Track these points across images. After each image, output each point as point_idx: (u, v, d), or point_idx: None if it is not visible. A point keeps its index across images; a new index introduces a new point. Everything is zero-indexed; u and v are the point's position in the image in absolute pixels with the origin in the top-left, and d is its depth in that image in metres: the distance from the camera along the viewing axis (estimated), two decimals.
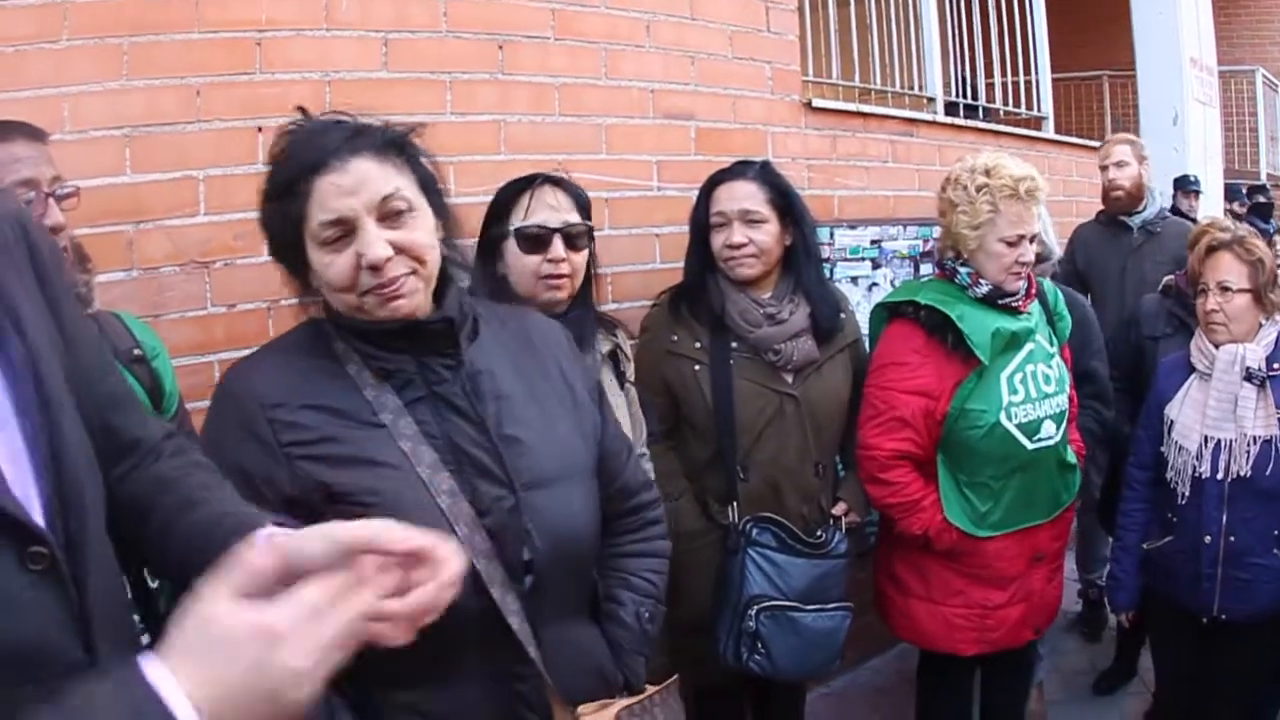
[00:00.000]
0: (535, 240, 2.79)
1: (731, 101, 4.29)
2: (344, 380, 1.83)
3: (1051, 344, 3.57)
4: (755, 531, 3.32)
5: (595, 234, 3.03)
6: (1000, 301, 3.40)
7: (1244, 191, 9.96)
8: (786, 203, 3.37)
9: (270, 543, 1.27)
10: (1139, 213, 5.30)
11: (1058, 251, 4.56)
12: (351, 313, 1.83)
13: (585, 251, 2.90)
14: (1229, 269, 3.50)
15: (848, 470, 3.67)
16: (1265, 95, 13.10)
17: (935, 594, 3.55)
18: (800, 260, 3.42)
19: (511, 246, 2.83)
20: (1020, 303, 3.44)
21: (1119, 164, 5.42)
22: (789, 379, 3.36)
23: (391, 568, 1.19)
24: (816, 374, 3.40)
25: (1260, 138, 13.00)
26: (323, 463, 1.77)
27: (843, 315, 3.52)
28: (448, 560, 1.22)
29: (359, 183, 1.77)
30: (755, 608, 3.26)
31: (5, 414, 1.27)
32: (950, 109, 6.07)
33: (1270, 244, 4.87)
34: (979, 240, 3.35)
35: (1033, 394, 3.39)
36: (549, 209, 2.84)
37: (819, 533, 3.45)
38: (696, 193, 3.50)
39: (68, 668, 1.16)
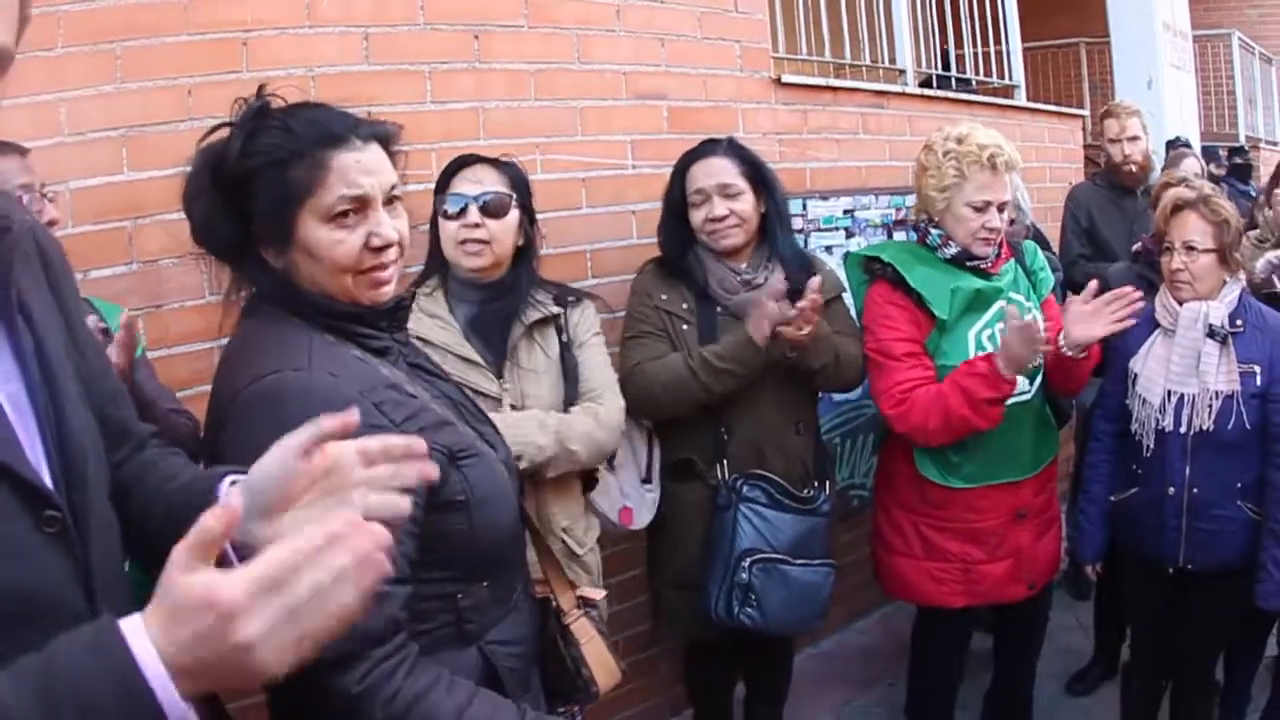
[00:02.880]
0: (451, 210, 3.05)
1: (702, 80, 4.44)
2: (364, 361, 1.89)
3: (1030, 300, 3.72)
4: (746, 488, 3.47)
5: (574, 212, 3.26)
6: (969, 263, 3.59)
7: (1221, 154, 10.12)
8: (758, 173, 3.56)
9: (235, 489, 1.45)
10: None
11: (1030, 217, 4.73)
12: (341, 295, 1.90)
13: (508, 221, 3.08)
14: (1194, 228, 3.57)
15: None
16: (1242, 58, 13.22)
17: (917, 550, 3.75)
18: (774, 227, 3.61)
19: (441, 218, 3.10)
20: (990, 265, 3.63)
21: (1133, 138, 5.61)
22: None
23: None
24: None
25: (1238, 100, 13.12)
26: (430, 430, 1.83)
27: (818, 272, 3.57)
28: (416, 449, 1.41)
29: (377, 165, 1.88)
30: (748, 559, 3.40)
31: (20, 398, 1.38)
32: (923, 81, 6.24)
33: (1256, 205, 5.05)
34: (946, 202, 3.56)
35: None
36: (472, 183, 3.08)
37: (805, 490, 3.59)
38: (670, 170, 3.65)
39: (74, 619, 1.19)
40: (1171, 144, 7.06)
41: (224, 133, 1.85)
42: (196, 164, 1.84)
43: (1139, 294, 3.37)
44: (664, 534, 3.66)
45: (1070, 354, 3.44)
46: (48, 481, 1.36)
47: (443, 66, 3.65)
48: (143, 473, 1.68)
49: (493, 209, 3.04)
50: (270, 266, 1.89)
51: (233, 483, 1.52)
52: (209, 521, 1.12)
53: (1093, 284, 3.45)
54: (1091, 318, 3.38)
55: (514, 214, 3.10)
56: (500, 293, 3.12)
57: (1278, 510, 3.49)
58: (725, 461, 3.52)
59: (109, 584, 1.42)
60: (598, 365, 3.28)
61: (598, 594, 2.67)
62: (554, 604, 2.48)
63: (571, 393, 3.18)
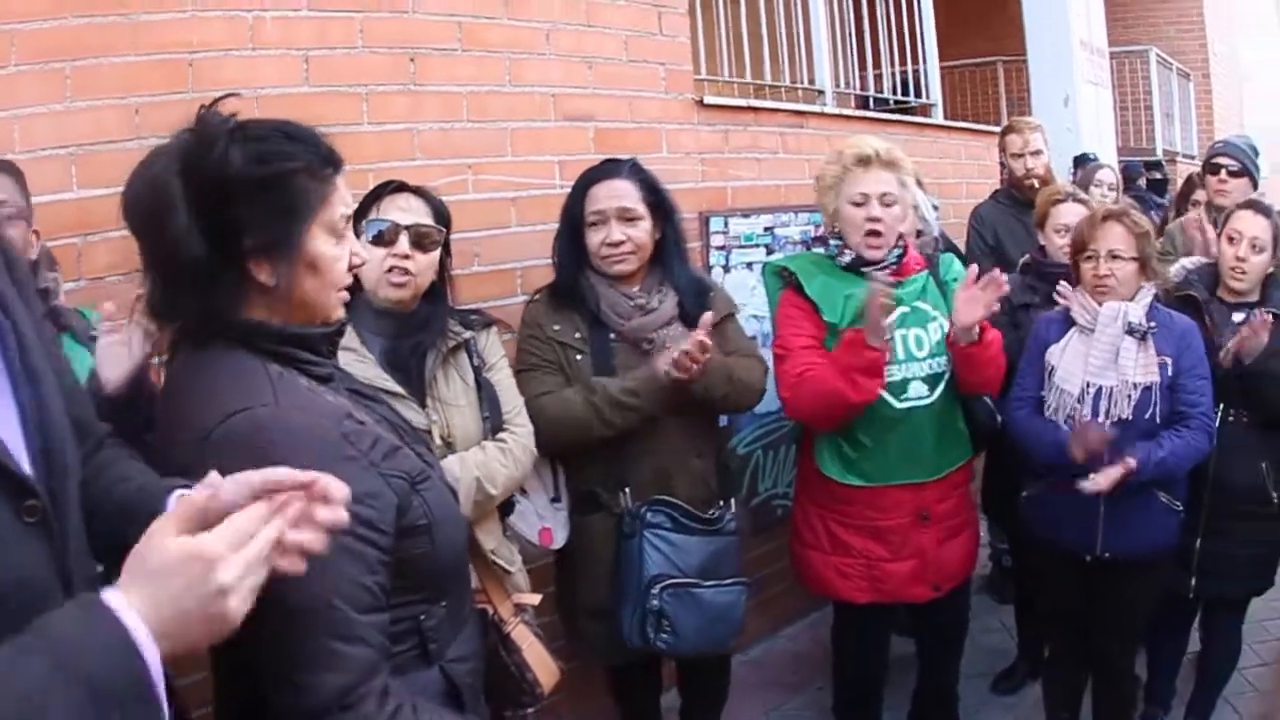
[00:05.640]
0: (382, 235, 2.99)
1: (628, 102, 4.68)
2: (314, 392, 1.87)
3: (937, 309, 3.92)
4: (650, 514, 3.51)
5: (504, 230, 3.40)
6: (863, 270, 3.83)
7: (1142, 168, 10.52)
8: (658, 199, 3.63)
9: (184, 499, 1.47)
10: None
11: (936, 229, 4.91)
12: (320, 314, 1.93)
13: (433, 255, 3.09)
14: (1120, 238, 3.85)
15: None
16: (1160, 74, 13.76)
17: (825, 545, 3.96)
18: (669, 253, 3.68)
19: (363, 243, 2.92)
20: (890, 271, 3.85)
21: (1035, 153, 5.86)
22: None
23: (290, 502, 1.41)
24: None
25: (1155, 115, 13.64)
26: (390, 458, 1.87)
27: (712, 294, 3.75)
28: (333, 490, 1.45)
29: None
30: (658, 586, 3.44)
31: (1, 383, 1.46)
32: (842, 100, 6.52)
33: (1166, 217, 5.36)
34: (835, 205, 3.87)
35: (900, 356, 3.77)
36: (400, 210, 3.06)
37: (710, 511, 3.66)
38: None
39: (53, 608, 1.30)
40: (1079, 160, 7.32)
41: (179, 144, 1.78)
42: (160, 174, 1.73)
43: (1004, 276, 3.66)
44: (574, 564, 3.71)
45: (961, 341, 3.70)
46: (28, 470, 1.43)
47: (379, 88, 3.80)
48: (99, 471, 1.73)
49: (423, 241, 3.05)
50: (239, 286, 1.81)
51: (180, 495, 1.61)
52: (196, 497, 1.35)
53: (973, 268, 3.72)
54: (972, 302, 3.64)
55: (438, 250, 3.13)
56: (416, 325, 3.11)
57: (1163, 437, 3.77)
58: (628, 490, 3.56)
59: (83, 573, 1.52)
60: (509, 389, 3.34)
61: (533, 598, 2.85)
62: (493, 614, 2.60)
63: (495, 418, 3.24)
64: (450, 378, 3.17)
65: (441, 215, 3.17)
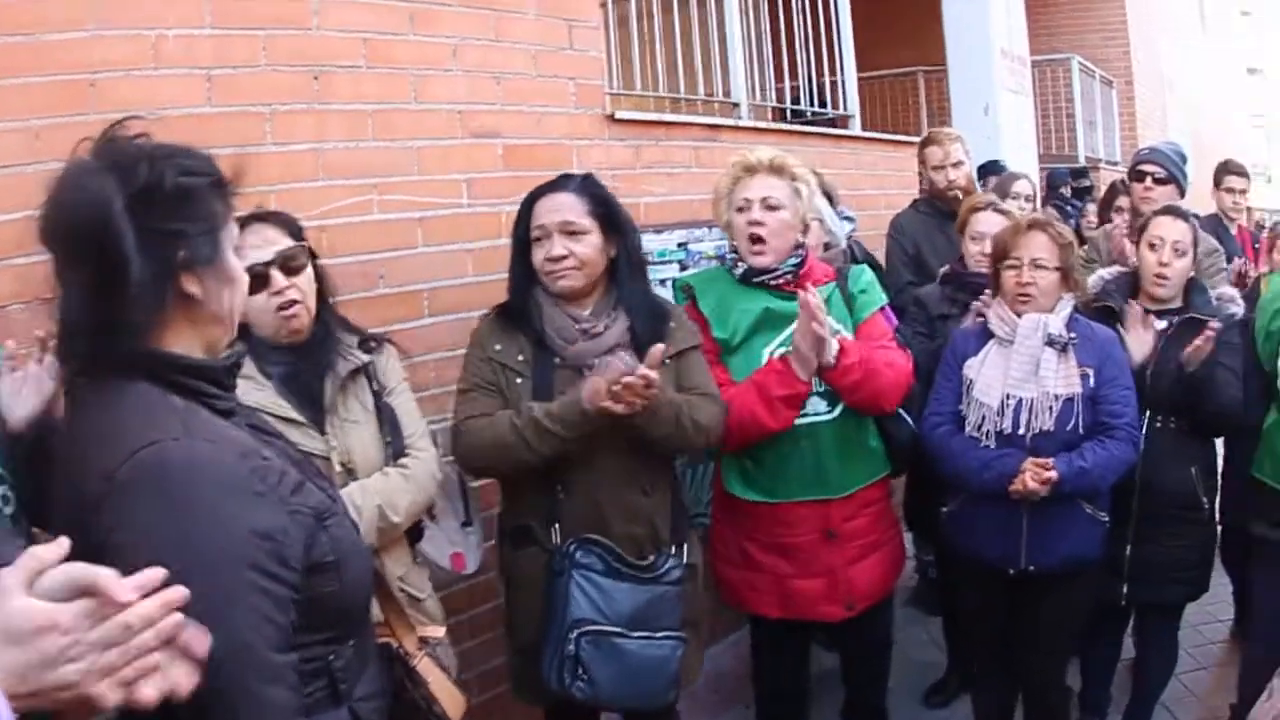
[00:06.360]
0: (256, 279, 2.77)
1: (537, 118, 4.68)
2: (218, 423, 1.85)
3: (841, 322, 3.92)
4: (579, 553, 3.34)
5: (411, 251, 3.40)
6: (756, 280, 3.87)
7: (1068, 175, 10.69)
8: (609, 213, 3.49)
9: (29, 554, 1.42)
10: None
11: (844, 241, 4.98)
12: (229, 333, 1.96)
13: (309, 273, 3.08)
14: (1043, 247, 3.93)
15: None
16: (1082, 81, 14.03)
17: (736, 558, 4.01)
18: (623, 272, 3.53)
19: None
20: (785, 281, 3.88)
21: (956, 164, 5.94)
22: None
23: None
24: None
25: (1077, 122, 13.91)
26: (296, 494, 1.86)
27: (671, 324, 3.58)
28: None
29: None
30: (577, 632, 3.28)
31: None
32: (758, 113, 6.61)
33: (1079, 225, 5.46)
34: (727, 215, 3.93)
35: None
36: (256, 248, 2.94)
37: (649, 556, 3.47)
38: (504, 208, 3.84)
39: None
40: (986, 169, 7.39)
41: (104, 164, 1.76)
42: (99, 194, 1.72)
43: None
44: (508, 599, 3.67)
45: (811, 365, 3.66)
46: None
47: (283, 107, 3.76)
48: None
49: (290, 264, 3.02)
50: (169, 302, 1.81)
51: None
52: (43, 552, 1.34)
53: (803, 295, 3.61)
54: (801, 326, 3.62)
55: (308, 264, 3.10)
56: (312, 348, 3.10)
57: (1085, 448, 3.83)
58: (559, 525, 3.42)
59: None
60: (410, 412, 3.30)
61: (438, 631, 2.83)
62: (398, 648, 2.56)
63: (397, 443, 3.20)
64: (349, 402, 3.15)
65: (296, 232, 3.14)
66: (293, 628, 1.78)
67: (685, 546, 3.62)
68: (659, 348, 3.25)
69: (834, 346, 3.68)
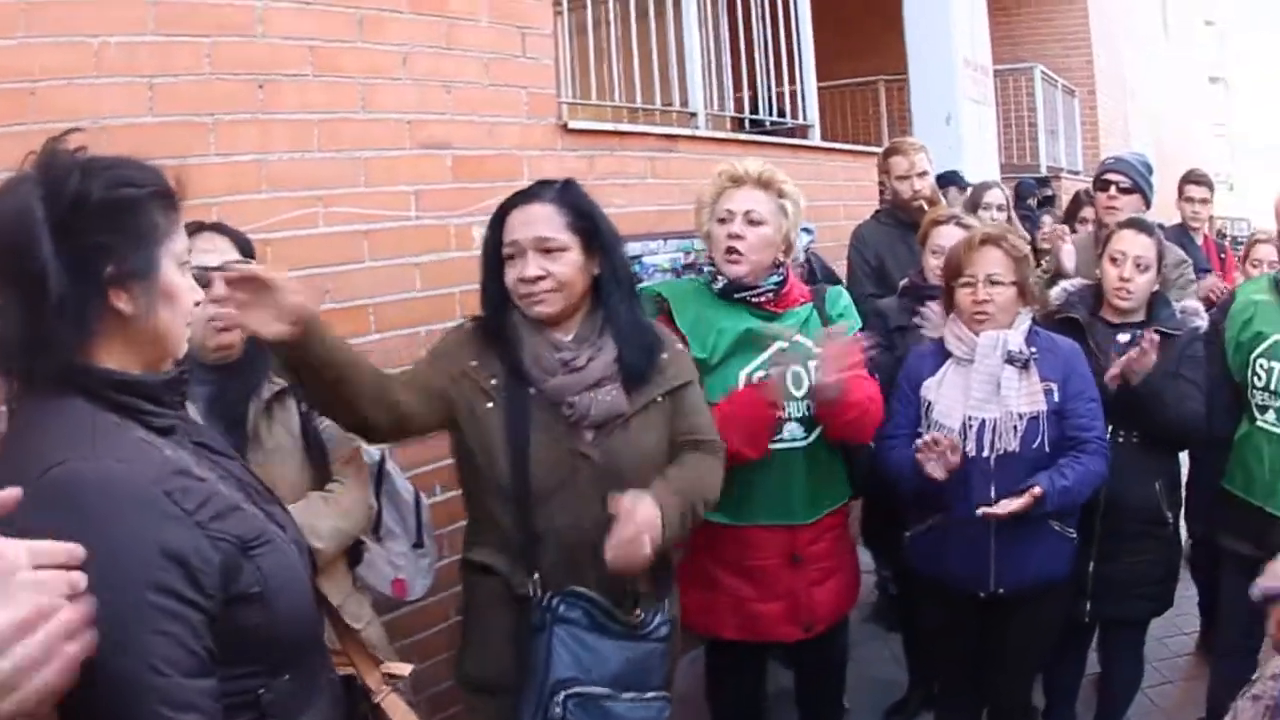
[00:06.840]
0: (197, 284, 2.62)
1: (488, 128, 4.62)
2: (150, 444, 1.82)
3: (819, 346, 3.68)
4: (563, 607, 2.96)
5: (356, 265, 3.25)
6: (737, 296, 3.78)
7: (1035, 185, 10.76)
8: (591, 226, 3.08)
9: None
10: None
11: (802, 255, 4.96)
12: (172, 350, 1.93)
13: None
14: (997, 262, 3.86)
15: None
16: (1044, 91, 14.12)
17: (699, 580, 3.86)
18: (609, 293, 3.12)
19: None
20: (766, 299, 3.80)
21: (921, 174, 5.93)
22: (588, 436, 3.02)
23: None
24: (622, 430, 3.06)
25: (1039, 132, 14.00)
26: (220, 518, 1.80)
27: (664, 356, 3.20)
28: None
29: None
30: (562, 693, 2.92)
31: None
32: (716, 122, 6.57)
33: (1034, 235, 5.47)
34: (708, 225, 3.84)
35: None
36: (205, 253, 2.82)
37: (637, 611, 3.08)
38: (453, 220, 3.81)
39: None
40: (944, 179, 7.37)
41: (33, 176, 1.76)
42: (20, 205, 1.71)
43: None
44: (463, 628, 3.30)
45: (819, 398, 3.64)
46: None
47: (227, 117, 3.69)
48: None
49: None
50: (98, 318, 1.78)
51: None
52: None
53: (830, 329, 3.69)
54: (832, 360, 3.53)
55: None
56: (241, 368, 2.99)
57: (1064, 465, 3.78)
58: (538, 576, 3.00)
59: None
60: (340, 434, 3.11)
61: (404, 669, 2.63)
62: (360, 683, 2.42)
63: (320, 469, 3.10)
64: (273, 426, 3.04)
65: (246, 248, 3.08)
66: (211, 656, 1.73)
67: (668, 602, 3.27)
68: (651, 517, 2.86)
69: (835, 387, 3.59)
